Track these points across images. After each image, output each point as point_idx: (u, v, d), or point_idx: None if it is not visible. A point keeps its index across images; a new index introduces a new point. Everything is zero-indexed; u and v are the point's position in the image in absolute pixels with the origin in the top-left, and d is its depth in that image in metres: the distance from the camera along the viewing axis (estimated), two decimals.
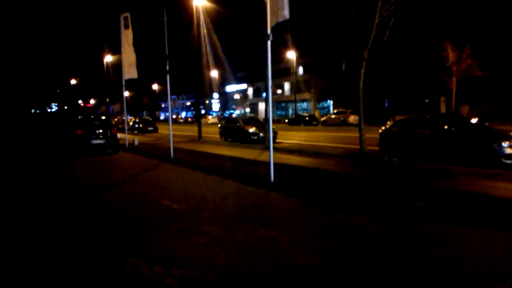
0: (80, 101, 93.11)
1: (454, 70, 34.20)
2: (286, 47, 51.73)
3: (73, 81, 72.46)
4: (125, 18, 17.69)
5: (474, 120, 13.36)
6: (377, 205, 6.58)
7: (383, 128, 13.72)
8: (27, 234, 5.46)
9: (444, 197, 7.04)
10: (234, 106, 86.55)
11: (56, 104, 79.29)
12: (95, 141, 16.04)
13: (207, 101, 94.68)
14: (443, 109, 39.45)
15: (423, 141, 12.10)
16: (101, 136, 16.21)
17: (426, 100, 47.44)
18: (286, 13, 8.01)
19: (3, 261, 4.46)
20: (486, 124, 13.38)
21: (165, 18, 13.43)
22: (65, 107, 76.30)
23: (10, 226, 5.93)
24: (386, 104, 54.83)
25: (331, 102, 60.81)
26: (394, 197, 7.05)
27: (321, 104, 64.22)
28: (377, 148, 13.85)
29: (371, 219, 5.81)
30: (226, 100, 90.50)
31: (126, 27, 17.57)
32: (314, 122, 43.27)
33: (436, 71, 35.84)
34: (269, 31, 8.33)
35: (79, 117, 18.03)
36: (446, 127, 11.80)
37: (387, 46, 13.74)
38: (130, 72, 17.56)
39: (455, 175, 9.76)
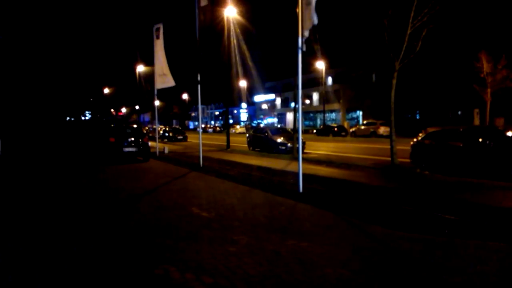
0: (112, 110, 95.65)
1: (489, 81, 33.22)
2: (315, 58, 51.67)
3: (106, 90, 74.68)
4: (157, 29, 18.15)
5: (510, 133, 12.92)
6: (409, 218, 6.46)
7: (414, 140, 13.47)
8: (65, 238, 5.65)
9: (478, 211, 6.84)
10: (262, 116, 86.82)
11: (89, 112, 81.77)
12: (127, 149, 16.44)
13: (235, 111, 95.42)
14: (476, 121, 38.30)
15: (456, 154, 11.81)
16: (133, 144, 16.59)
17: (459, 112, 46.23)
18: (314, 19, 8.05)
19: (34, 262, 4.64)
20: None
21: (198, 35, 13.63)
22: (98, 115, 78.58)
23: (48, 229, 6.14)
24: (417, 115, 53.76)
25: (361, 113, 60.08)
26: (426, 210, 6.90)
27: (350, 114, 63.56)
28: (408, 160, 13.58)
29: (403, 232, 5.71)
30: (254, 110, 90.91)
31: (158, 37, 18.02)
32: (343, 133, 42.85)
33: (469, 82, 34.90)
34: (300, 42, 8.38)
35: (112, 125, 18.53)
36: (480, 139, 11.48)
37: (419, 57, 13.54)
38: (163, 81, 17.91)
39: (490, 189, 9.46)
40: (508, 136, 12.20)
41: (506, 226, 5.91)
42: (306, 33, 8.32)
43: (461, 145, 11.69)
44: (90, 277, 4.23)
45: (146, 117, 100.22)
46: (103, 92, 76.69)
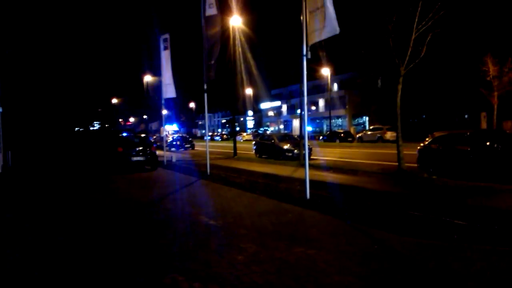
0: (120, 120, 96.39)
1: (496, 84, 33.02)
2: (320, 64, 51.75)
3: (114, 100, 75.33)
4: (165, 40, 18.34)
5: None
6: (417, 224, 6.43)
7: (421, 144, 13.42)
8: (75, 247, 5.70)
9: (487, 216, 6.78)
10: (268, 123, 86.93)
11: (98, 123, 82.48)
12: (135, 158, 16.55)
13: (241, 118, 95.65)
14: (484, 125, 38.03)
15: (463, 158, 11.74)
16: (140, 153, 16.70)
17: (466, 116, 45.95)
18: (334, 28, 7.88)
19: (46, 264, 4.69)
20: None
21: (204, 44, 13.71)
22: (107, 125, 79.21)
23: (60, 237, 6.21)
24: (424, 120, 53.50)
25: (367, 118, 59.97)
26: (434, 215, 6.86)
27: (356, 120, 63.46)
28: (415, 165, 13.53)
29: (411, 238, 5.69)
30: (261, 117, 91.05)
31: (165, 48, 18.21)
32: (350, 139, 42.76)
33: (476, 85, 34.70)
34: (304, 50, 8.43)
35: (120, 135, 18.68)
36: (488, 143, 11.41)
37: (424, 61, 13.53)
38: (169, 91, 18.11)
39: (499, 193, 9.38)
40: None
41: None
42: (314, 39, 8.33)
43: (469, 149, 11.62)
44: (100, 286, 4.27)
45: (154, 126, 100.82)
46: (111, 102, 77.38)
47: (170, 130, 62.52)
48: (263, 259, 4.99)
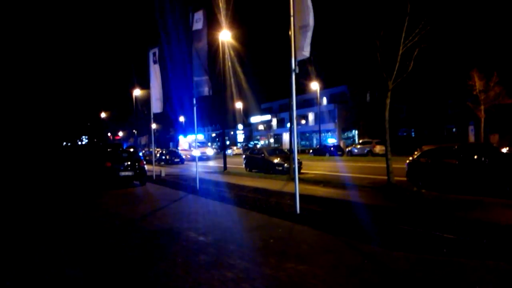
0: (109, 134, 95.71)
1: (482, 98, 33.55)
2: (310, 79, 52.18)
3: (103, 115, 74.88)
4: (154, 54, 18.35)
5: (505, 150, 13.00)
6: (407, 238, 6.42)
7: (410, 158, 13.51)
8: (61, 265, 5.57)
9: (476, 229, 6.80)
10: (258, 137, 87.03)
11: (86, 137, 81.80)
12: (123, 173, 16.34)
13: (232, 132, 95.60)
14: (471, 138, 38.55)
15: (452, 171, 11.83)
16: (129, 168, 16.51)
17: (454, 129, 46.57)
18: (306, 51, 8.23)
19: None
20: None
21: (193, 59, 13.76)
22: (95, 140, 78.59)
23: (46, 257, 6.06)
24: (413, 133, 54.08)
25: (356, 132, 60.38)
26: (424, 229, 6.86)
27: (346, 134, 63.85)
28: (405, 178, 13.59)
29: (401, 252, 5.68)
30: (251, 131, 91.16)
31: (155, 62, 18.21)
32: (339, 152, 42.88)
33: (463, 99, 35.28)
34: (293, 65, 8.49)
35: (108, 149, 18.48)
36: (476, 157, 11.53)
37: (412, 76, 13.71)
38: (159, 105, 18.06)
39: (487, 207, 9.44)
40: (503, 153, 12.27)
41: (505, 244, 5.88)
42: (299, 56, 8.45)
43: (457, 162, 11.72)
44: None
45: (143, 140, 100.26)
46: (100, 116, 76.88)
47: (190, 140, 47.46)
48: (252, 275, 4.92)
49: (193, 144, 42.46)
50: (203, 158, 39.11)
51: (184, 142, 50.20)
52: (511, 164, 10.78)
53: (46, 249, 6.60)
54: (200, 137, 69.03)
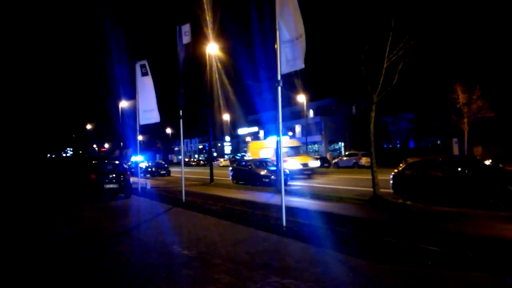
0: (94, 146, 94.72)
1: (465, 111, 34.18)
2: (297, 91, 52.57)
3: (88, 126, 74.14)
4: (143, 66, 18.22)
5: (488, 162, 13.20)
6: (392, 250, 6.42)
7: (395, 170, 13.61)
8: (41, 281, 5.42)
9: (460, 241, 6.85)
10: (245, 148, 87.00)
11: (71, 149, 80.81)
12: (108, 186, 16.12)
13: (219, 144, 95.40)
14: (455, 150, 39.08)
15: (436, 183, 11.94)
16: (114, 181, 16.29)
17: (438, 142, 47.24)
18: (299, 63, 8.24)
19: None
20: (500, 165, 13.20)
21: (180, 72, 13.74)
22: (80, 152, 77.66)
23: (24, 272, 5.90)
24: (398, 145, 54.68)
25: (342, 144, 60.83)
26: (409, 242, 6.88)
27: (332, 146, 64.22)
28: (390, 190, 13.67)
29: (387, 265, 5.67)
30: (238, 143, 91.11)
31: (144, 74, 18.05)
32: (326, 164, 43.06)
33: (447, 112, 35.86)
34: (279, 78, 8.53)
35: (93, 161, 18.25)
36: (459, 169, 11.67)
37: (397, 89, 13.88)
38: (148, 117, 17.80)
39: (471, 218, 9.54)
40: (486, 165, 12.45)
41: (488, 256, 5.92)
42: (291, 67, 8.51)
43: (441, 174, 11.84)
44: None
45: (129, 152, 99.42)
46: (85, 127, 76.11)
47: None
48: None
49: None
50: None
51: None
52: (494, 176, 10.94)
53: (17, 270, 6.43)
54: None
